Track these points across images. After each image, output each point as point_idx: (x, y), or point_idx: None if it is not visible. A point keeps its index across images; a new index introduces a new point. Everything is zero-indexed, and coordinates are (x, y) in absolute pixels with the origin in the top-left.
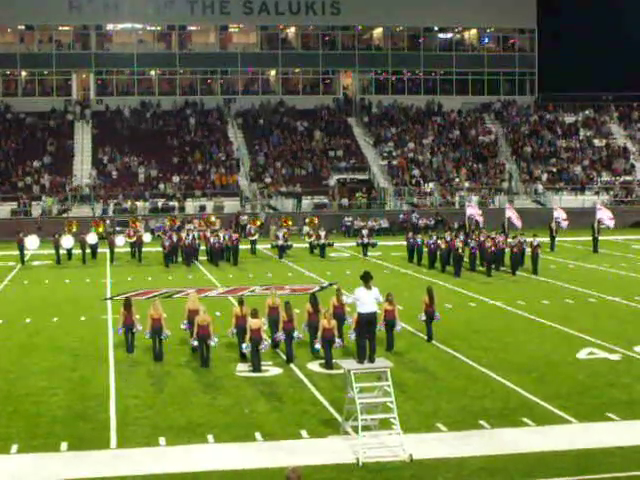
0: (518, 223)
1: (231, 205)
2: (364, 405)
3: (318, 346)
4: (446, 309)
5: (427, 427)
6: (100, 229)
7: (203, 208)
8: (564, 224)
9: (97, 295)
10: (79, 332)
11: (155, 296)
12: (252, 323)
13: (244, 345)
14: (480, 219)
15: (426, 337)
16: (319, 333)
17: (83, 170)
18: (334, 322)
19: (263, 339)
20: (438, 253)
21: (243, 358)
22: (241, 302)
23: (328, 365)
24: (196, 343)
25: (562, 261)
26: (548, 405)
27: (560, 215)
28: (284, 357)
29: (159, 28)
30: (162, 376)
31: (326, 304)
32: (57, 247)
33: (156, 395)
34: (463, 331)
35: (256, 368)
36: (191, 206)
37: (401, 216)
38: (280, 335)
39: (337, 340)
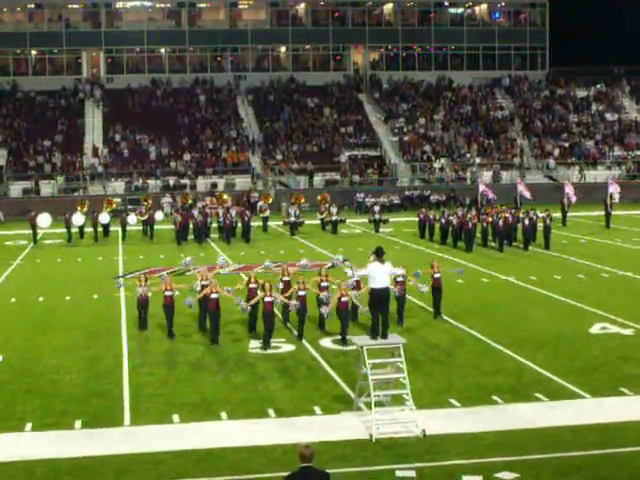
0: (527, 194)
1: (242, 182)
2: (377, 381)
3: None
4: (458, 285)
5: (440, 403)
6: (111, 207)
7: (215, 186)
8: (573, 198)
9: (109, 273)
10: (92, 310)
11: (168, 273)
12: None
13: (242, 304)
14: (493, 196)
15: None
16: (332, 304)
17: (94, 149)
18: (350, 294)
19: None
20: (450, 229)
21: (252, 332)
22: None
23: (344, 335)
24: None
25: (574, 236)
26: (561, 380)
27: (570, 190)
28: (295, 333)
29: (169, 5)
30: (175, 353)
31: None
32: (68, 226)
33: (169, 372)
34: (475, 307)
35: (266, 344)
36: (202, 184)
37: (406, 192)
38: (292, 305)
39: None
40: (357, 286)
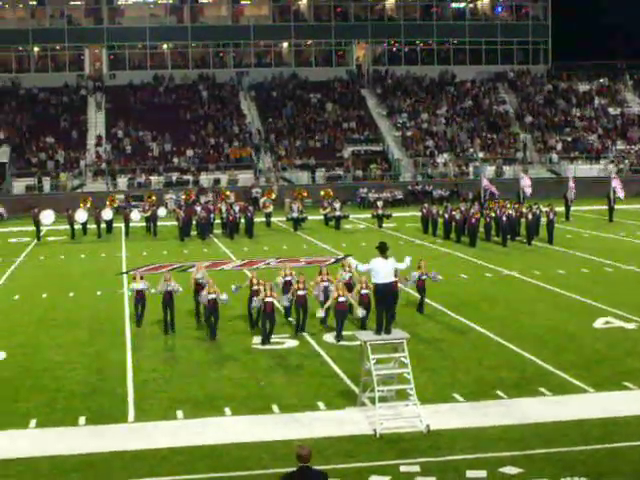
0: (528, 191)
1: (245, 178)
2: (381, 376)
3: (321, 314)
4: (462, 280)
5: (444, 398)
6: (114, 204)
7: (217, 181)
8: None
9: (113, 269)
10: (95, 307)
11: (171, 270)
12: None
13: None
14: (495, 191)
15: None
16: (330, 302)
17: (97, 145)
18: (347, 294)
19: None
20: (453, 224)
21: (254, 327)
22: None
23: (338, 337)
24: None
25: (577, 230)
26: (565, 375)
27: (571, 184)
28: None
29: (171, 1)
30: (178, 349)
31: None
32: (71, 222)
33: (173, 368)
34: (479, 301)
35: (265, 339)
36: (205, 180)
37: (409, 187)
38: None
39: (361, 310)
40: (349, 284)
